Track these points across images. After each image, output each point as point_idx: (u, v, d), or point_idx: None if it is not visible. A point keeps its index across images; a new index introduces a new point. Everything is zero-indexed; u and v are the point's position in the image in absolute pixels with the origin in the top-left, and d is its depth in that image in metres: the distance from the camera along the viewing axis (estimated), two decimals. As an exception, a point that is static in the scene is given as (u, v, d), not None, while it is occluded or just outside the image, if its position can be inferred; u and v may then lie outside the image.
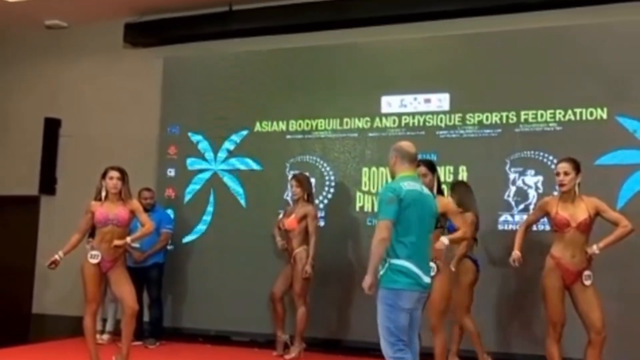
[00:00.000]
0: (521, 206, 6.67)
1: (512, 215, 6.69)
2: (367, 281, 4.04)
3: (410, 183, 4.20)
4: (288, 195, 7.36)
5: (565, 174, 4.99)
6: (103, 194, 5.60)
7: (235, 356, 7.01)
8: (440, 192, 5.29)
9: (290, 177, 7.20)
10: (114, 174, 5.61)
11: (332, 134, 7.49)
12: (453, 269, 5.43)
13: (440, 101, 7.12)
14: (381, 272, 4.10)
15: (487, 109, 6.92)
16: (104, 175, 5.63)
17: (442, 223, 5.13)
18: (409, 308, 4.07)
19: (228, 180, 7.87)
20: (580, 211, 4.95)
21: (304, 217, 6.65)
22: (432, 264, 5.04)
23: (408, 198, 4.10)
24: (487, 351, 5.97)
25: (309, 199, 6.81)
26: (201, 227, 7.91)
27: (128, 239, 5.62)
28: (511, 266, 5.12)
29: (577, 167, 5.02)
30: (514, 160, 6.74)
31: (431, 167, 5.22)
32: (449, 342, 5.43)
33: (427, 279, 4.18)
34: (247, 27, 8.13)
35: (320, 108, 7.60)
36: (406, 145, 4.43)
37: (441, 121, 7.09)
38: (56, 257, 5.51)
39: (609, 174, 6.31)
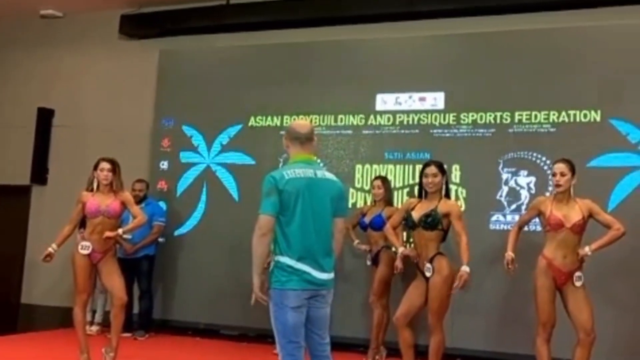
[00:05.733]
0: (513, 206, 6.68)
1: (504, 215, 6.69)
2: (254, 285, 3.62)
3: (297, 170, 3.69)
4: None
5: (562, 174, 5.00)
6: (95, 185, 5.58)
7: (224, 350, 7.00)
8: (447, 194, 5.31)
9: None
10: (105, 165, 5.58)
11: (326, 130, 7.46)
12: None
13: (435, 100, 7.12)
14: (270, 270, 3.68)
15: (482, 108, 6.93)
16: (95, 167, 5.60)
17: (444, 225, 5.14)
18: (297, 307, 3.58)
19: (221, 174, 7.85)
20: (574, 212, 4.95)
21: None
22: (428, 265, 5.09)
23: (290, 188, 3.62)
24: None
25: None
26: (193, 221, 7.89)
27: (120, 230, 5.60)
28: (502, 265, 5.12)
29: (573, 169, 5.03)
30: (507, 160, 6.76)
31: (441, 168, 5.25)
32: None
33: (321, 275, 3.65)
34: (243, 21, 8.16)
35: (314, 104, 7.58)
36: (297, 124, 3.89)
37: (435, 120, 7.09)
38: (50, 250, 5.48)
39: (601, 176, 6.32)
